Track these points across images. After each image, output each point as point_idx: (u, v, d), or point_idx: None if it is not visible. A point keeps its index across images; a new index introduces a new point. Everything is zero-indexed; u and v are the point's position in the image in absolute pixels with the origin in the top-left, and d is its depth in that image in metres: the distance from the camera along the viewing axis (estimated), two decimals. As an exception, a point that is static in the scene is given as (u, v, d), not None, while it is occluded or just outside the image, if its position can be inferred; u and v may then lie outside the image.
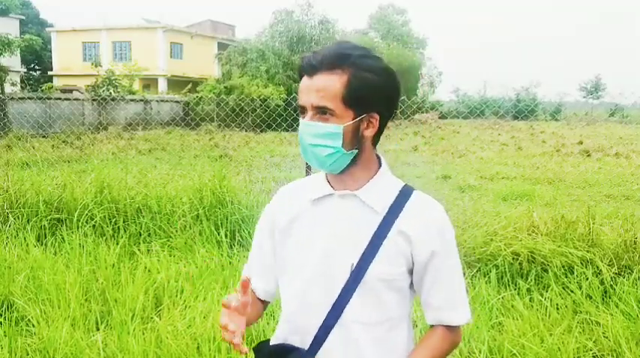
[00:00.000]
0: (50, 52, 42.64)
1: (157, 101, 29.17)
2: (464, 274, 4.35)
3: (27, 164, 12.05)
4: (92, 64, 28.41)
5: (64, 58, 41.29)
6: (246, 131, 23.36)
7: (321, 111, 1.39)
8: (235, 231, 5.50)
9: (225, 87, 29.11)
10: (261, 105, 23.56)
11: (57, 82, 38.65)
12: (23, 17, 39.17)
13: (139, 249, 5.08)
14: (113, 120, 23.93)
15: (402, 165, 14.63)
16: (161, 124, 25.57)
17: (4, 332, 3.50)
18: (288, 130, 21.86)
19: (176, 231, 5.39)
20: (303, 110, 1.43)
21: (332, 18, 35.35)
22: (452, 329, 1.53)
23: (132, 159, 13.65)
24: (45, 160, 11.53)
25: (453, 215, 5.88)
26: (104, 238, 5.40)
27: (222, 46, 39.80)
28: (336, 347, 1.47)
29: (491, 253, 4.53)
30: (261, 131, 23.39)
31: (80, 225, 5.52)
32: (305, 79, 1.41)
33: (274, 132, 21.18)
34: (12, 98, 22.34)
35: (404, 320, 1.54)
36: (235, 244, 5.32)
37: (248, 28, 59.40)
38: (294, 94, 22.85)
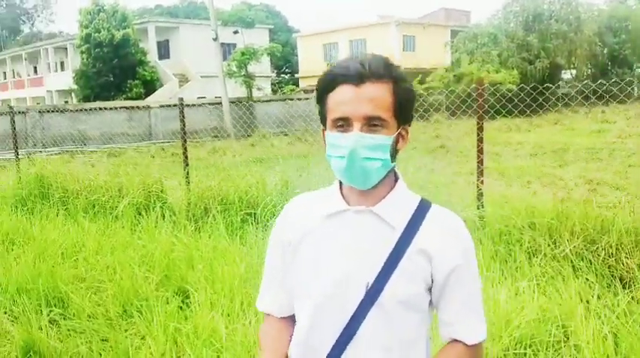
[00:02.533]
0: (297, 56, 46.72)
1: (385, 95, 30.01)
2: None
3: (261, 160, 13.49)
4: (327, 64, 30.44)
5: (308, 61, 44.81)
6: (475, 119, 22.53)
7: (372, 123, 1.33)
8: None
9: (454, 75, 28.54)
10: (490, 90, 22.52)
11: (302, 84, 42.20)
12: (272, 26, 43.51)
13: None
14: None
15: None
16: (388, 117, 26.26)
17: (166, 314, 3.94)
18: (520, 117, 20.50)
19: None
20: (341, 123, 1.34)
21: (575, -10, 32.08)
22: (470, 347, 1.41)
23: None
24: (279, 156, 12.65)
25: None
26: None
27: (455, 34, 38.96)
28: None
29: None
30: (490, 118, 22.36)
31: (262, 218, 5.94)
32: (347, 87, 1.33)
33: (505, 119, 20.15)
34: (256, 101, 25.19)
35: (422, 339, 1.43)
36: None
37: (484, 12, 57.17)
38: (529, 78, 21.27)
